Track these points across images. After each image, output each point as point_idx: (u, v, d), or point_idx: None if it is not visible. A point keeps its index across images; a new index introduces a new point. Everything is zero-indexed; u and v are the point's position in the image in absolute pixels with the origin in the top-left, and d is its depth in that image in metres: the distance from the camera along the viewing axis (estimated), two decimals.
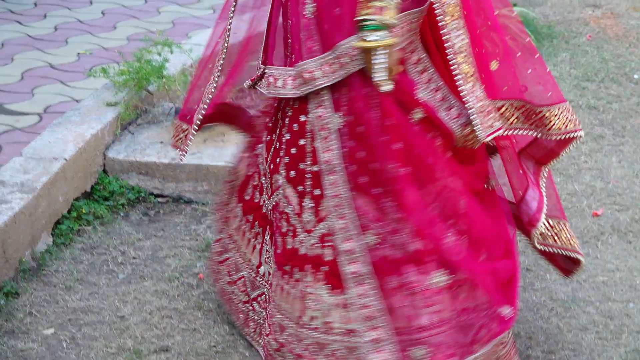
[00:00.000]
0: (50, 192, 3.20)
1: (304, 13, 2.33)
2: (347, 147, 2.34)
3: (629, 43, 5.27)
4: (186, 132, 2.68)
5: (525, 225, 2.56)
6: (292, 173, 2.42)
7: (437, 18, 2.28)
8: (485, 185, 2.52)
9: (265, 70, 2.46)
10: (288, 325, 2.48)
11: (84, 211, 3.36)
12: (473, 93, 2.31)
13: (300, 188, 2.40)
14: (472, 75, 2.32)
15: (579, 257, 2.62)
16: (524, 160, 2.54)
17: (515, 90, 2.40)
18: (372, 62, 2.23)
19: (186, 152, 2.70)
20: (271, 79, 2.43)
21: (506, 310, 2.42)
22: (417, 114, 2.34)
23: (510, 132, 2.42)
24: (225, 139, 3.63)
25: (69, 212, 3.34)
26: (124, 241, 3.27)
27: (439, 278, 2.38)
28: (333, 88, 2.33)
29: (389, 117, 2.30)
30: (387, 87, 2.26)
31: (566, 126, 2.42)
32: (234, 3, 2.55)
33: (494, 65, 2.37)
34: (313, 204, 2.39)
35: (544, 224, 2.53)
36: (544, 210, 2.51)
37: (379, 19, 2.18)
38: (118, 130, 3.69)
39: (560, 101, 2.43)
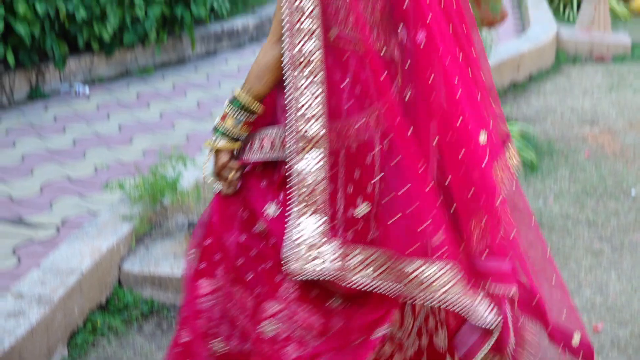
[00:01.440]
0: (66, 304, 3.29)
1: None
2: None
3: (625, 159, 5.42)
4: None
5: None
6: None
7: (286, 149, 2.16)
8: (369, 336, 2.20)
9: None
10: None
11: (98, 324, 3.44)
12: (301, 224, 2.13)
13: None
14: (314, 209, 2.12)
15: None
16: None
17: (381, 239, 2.12)
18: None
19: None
20: None
21: None
22: (260, 227, 2.28)
23: (373, 283, 2.13)
24: None
25: (84, 324, 3.42)
26: (137, 353, 3.34)
27: None
28: None
29: (212, 215, 2.36)
30: (216, 187, 2.34)
31: (424, 287, 2.06)
32: None
33: (362, 209, 2.14)
34: None
35: None
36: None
37: (218, 125, 2.29)
38: (133, 244, 3.81)
39: (424, 256, 2.06)
